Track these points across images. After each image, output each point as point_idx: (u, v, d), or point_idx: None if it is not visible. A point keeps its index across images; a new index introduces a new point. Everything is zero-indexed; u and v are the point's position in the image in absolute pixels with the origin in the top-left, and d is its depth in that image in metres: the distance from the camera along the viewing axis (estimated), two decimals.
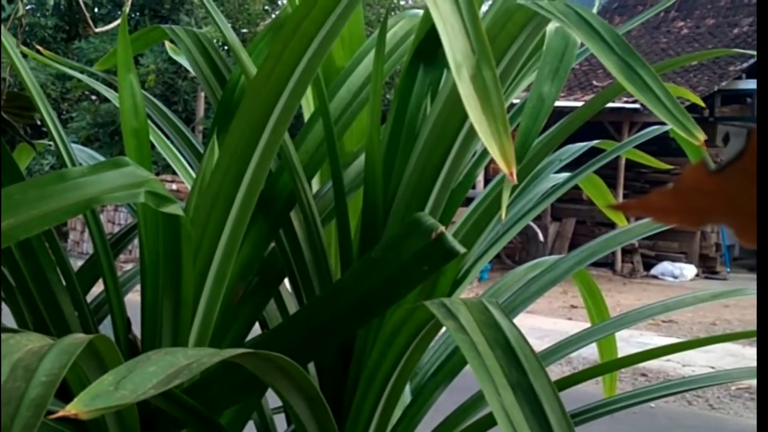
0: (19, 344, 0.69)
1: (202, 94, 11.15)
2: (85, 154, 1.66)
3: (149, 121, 1.32)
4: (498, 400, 0.74)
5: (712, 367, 5.99)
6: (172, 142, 1.55)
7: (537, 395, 0.75)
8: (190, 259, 1.05)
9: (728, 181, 0.25)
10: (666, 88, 0.85)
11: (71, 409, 0.59)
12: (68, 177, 0.91)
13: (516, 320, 0.93)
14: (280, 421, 1.41)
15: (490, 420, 1.21)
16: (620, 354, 1.69)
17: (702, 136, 0.86)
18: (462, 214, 1.35)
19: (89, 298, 1.33)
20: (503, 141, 0.64)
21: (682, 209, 0.26)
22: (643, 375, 6.06)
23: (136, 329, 1.21)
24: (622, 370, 5.62)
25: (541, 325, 7.46)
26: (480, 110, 0.67)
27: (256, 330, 1.29)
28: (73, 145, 1.40)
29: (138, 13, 12.79)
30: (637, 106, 11.14)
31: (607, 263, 11.86)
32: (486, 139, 0.65)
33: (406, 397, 1.33)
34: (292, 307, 1.33)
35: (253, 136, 1.01)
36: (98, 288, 1.35)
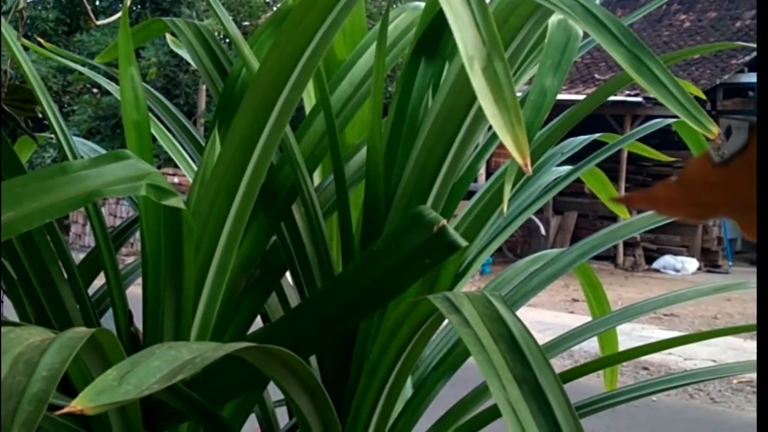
0: (20, 338, 0.69)
1: (204, 87, 11.15)
2: (86, 147, 1.65)
3: (150, 114, 1.31)
4: (503, 395, 0.73)
5: (714, 361, 5.99)
6: (173, 135, 1.55)
7: (542, 389, 0.75)
8: (191, 252, 1.05)
9: (732, 173, 0.25)
10: (675, 80, 0.84)
11: (77, 405, 0.59)
12: (69, 170, 0.91)
13: (518, 313, 0.93)
14: (282, 414, 1.42)
15: (491, 413, 1.21)
16: (622, 347, 1.69)
17: (716, 129, 0.85)
18: (464, 207, 1.34)
19: (91, 291, 1.33)
20: (517, 132, 0.65)
21: (686, 202, 0.26)
22: (645, 368, 6.07)
23: (138, 322, 1.21)
24: (624, 363, 5.63)
25: (543, 319, 7.47)
26: (493, 102, 0.67)
27: (258, 323, 1.29)
28: (75, 138, 1.40)
29: (139, 6, 12.77)
30: (639, 99, 11.12)
31: (609, 257, 11.87)
32: (500, 131, 0.66)
33: (408, 390, 1.33)
34: (294, 300, 1.33)
35: (255, 129, 1.01)
36: (100, 281, 1.35)
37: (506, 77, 0.69)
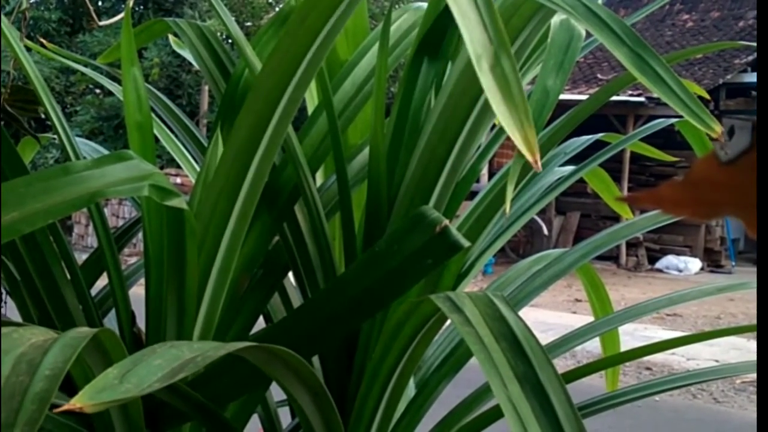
0: (23, 338, 0.69)
1: (206, 88, 11.15)
2: (89, 148, 1.66)
3: (153, 115, 1.31)
4: (505, 393, 0.73)
5: (717, 361, 5.98)
6: (176, 136, 1.55)
7: (544, 388, 0.75)
8: (194, 252, 1.05)
9: (739, 173, 0.25)
10: (678, 79, 0.84)
11: (76, 403, 0.59)
12: (72, 170, 0.91)
13: (520, 314, 0.93)
14: (284, 414, 1.41)
15: (494, 413, 1.21)
16: (625, 347, 1.69)
17: (719, 128, 0.85)
18: (466, 207, 1.34)
19: (94, 291, 1.34)
20: (526, 130, 0.66)
21: (692, 201, 0.26)
22: (648, 368, 6.06)
23: (141, 323, 1.21)
24: (627, 363, 5.62)
25: (546, 319, 7.47)
26: (502, 100, 0.68)
27: (261, 324, 1.29)
28: (78, 139, 1.40)
29: (142, 7, 12.79)
30: (641, 99, 11.11)
31: (611, 257, 11.86)
32: (510, 129, 0.67)
33: (411, 390, 1.33)
34: (297, 300, 1.33)
35: (257, 129, 1.01)
36: (103, 281, 1.35)
37: (514, 75, 0.70)
